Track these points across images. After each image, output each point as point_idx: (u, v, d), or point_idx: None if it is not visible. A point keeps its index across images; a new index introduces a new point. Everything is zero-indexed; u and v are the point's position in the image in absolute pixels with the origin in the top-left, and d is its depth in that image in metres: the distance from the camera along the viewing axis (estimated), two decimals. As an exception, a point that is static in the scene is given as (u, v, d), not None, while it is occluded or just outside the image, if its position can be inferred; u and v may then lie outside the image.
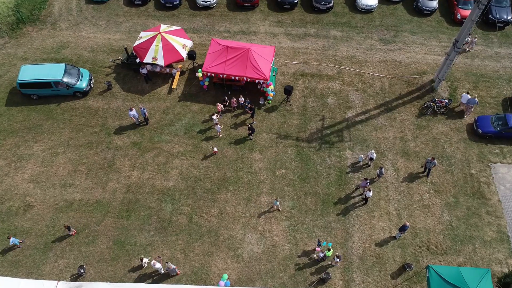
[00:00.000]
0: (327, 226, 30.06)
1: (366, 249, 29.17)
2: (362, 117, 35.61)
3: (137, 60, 37.10)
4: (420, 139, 34.36)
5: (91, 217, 30.30)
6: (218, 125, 33.62)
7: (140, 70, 36.99)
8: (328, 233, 29.77)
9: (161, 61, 35.92)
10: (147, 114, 34.54)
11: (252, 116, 35.06)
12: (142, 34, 37.46)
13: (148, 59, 36.02)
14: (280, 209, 30.56)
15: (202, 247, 29.19)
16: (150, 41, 36.25)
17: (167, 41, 36.15)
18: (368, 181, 30.72)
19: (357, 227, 30.08)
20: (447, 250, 29.15)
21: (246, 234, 29.74)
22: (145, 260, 27.85)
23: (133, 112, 33.89)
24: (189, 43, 37.53)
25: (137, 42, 37.02)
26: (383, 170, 31.45)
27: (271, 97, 36.16)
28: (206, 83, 36.48)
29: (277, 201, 29.92)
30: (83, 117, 35.49)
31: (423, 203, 31.14)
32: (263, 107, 36.39)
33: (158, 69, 37.99)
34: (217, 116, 34.36)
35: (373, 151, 31.92)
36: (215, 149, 33.02)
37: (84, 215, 30.38)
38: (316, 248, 28.41)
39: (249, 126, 33.56)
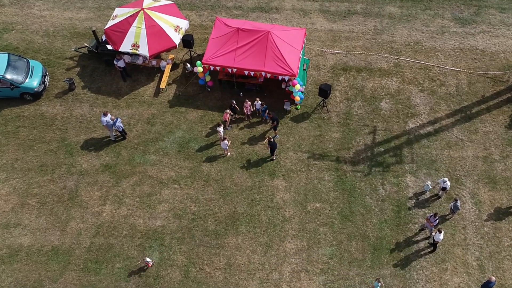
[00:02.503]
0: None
1: (436, 315, 30.59)
2: (430, 128, 36.96)
3: (109, 47, 38.48)
4: (511, 159, 35.82)
5: (45, 270, 31.70)
6: (226, 141, 34.71)
7: (115, 62, 38.47)
8: (382, 293, 31.33)
9: (144, 50, 37.41)
10: (122, 126, 35.68)
11: (274, 128, 36.11)
12: (118, 11, 39.18)
13: (126, 47, 37.61)
14: None
15: (203, 313, 30.76)
16: (129, 22, 37.71)
17: (153, 21, 37.71)
18: (438, 218, 31.74)
19: (422, 284, 31.18)
20: (551, 316, 30.56)
21: (266, 294, 31.21)
22: None
23: (107, 118, 35.00)
24: (184, 24, 39.20)
25: (110, 23, 38.70)
26: (459, 203, 32.26)
27: (301, 101, 37.39)
28: (208, 79, 37.91)
29: (379, 283, 29.85)
30: (35, 129, 37.21)
31: (517, 250, 32.58)
32: (289, 115, 37.80)
33: (140, 61, 39.60)
34: (223, 127, 35.78)
35: (445, 178, 33.07)
36: (149, 260, 31.36)
37: (36, 267, 31.80)
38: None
39: (270, 141, 34.49)
